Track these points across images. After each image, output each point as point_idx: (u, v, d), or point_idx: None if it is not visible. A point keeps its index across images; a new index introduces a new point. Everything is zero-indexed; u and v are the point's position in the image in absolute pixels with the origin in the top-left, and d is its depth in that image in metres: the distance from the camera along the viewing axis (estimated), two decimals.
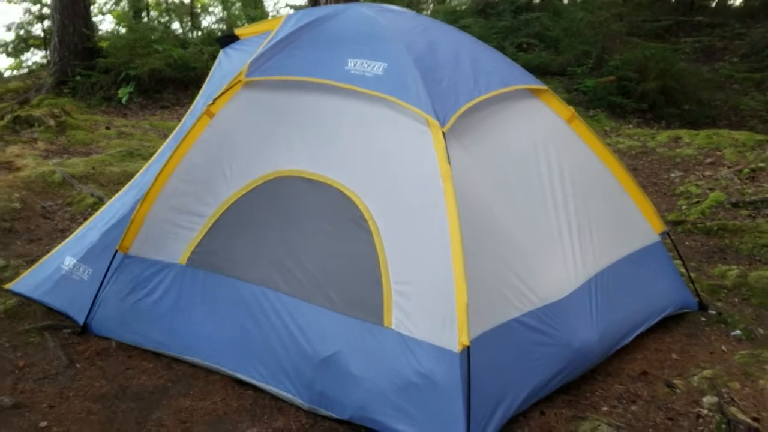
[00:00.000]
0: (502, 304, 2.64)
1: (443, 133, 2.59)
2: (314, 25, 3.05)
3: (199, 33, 10.05)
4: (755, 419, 2.65)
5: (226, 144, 3.02)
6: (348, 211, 2.72)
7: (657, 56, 8.71)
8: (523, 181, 2.97)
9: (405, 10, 3.51)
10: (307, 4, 10.20)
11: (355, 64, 2.82)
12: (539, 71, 9.31)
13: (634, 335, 3.13)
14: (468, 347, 2.36)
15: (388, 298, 2.57)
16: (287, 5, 10.92)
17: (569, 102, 3.41)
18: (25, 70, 9.82)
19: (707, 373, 2.95)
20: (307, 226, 2.81)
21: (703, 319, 3.48)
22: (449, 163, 2.54)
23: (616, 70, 8.82)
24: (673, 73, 8.73)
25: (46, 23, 9.79)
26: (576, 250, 2.99)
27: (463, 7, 11.52)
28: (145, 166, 3.44)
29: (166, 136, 3.57)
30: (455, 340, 2.38)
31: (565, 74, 9.53)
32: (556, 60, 9.80)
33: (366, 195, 2.71)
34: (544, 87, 3.23)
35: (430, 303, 2.51)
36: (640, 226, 3.39)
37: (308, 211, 2.83)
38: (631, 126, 8.35)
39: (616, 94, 8.71)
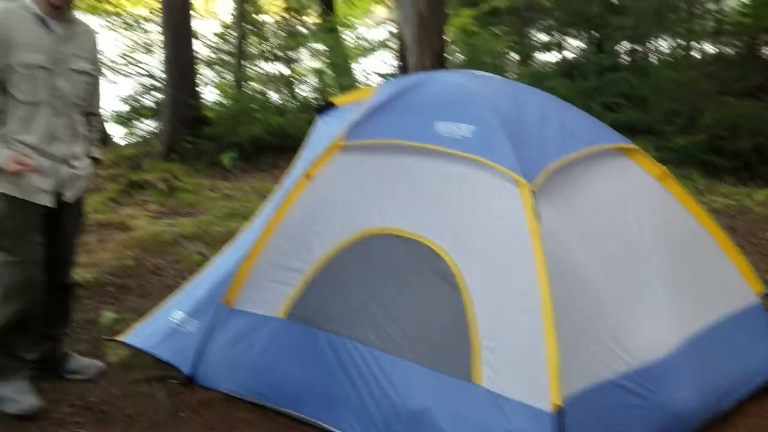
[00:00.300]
0: (595, 364, 2.62)
1: (532, 191, 2.66)
2: (405, 92, 3.22)
3: (296, 102, 10.62)
4: None
5: (322, 204, 3.19)
6: (437, 268, 2.80)
7: (749, 114, 8.46)
8: (614, 240, 2.97)
9: (491, 75, 3.65)
10: (393, 72, 10.60)
11: (443, 127, 2.95)
12: (627, 130, 9.14)
13: (736, 400, 3.00)
14: (561, 407, 2.35)
15: (477, 354, 2.60)
16: (376, 73, 11.39)
17: (659, 160, 3.39)
18: (138, 138, 10.59)
19: None
20: (398, 282, 2.91)
21: None
22: (538, 221, 2.59)
23: (707, 128, 8.62)
24: (767, 131, 8.44)
25: (157, 95, 10.59)
26: (671, 311, 2.93)
27: (548, 70, 11.59)
28: (247, 226, 3.65)
29: (265, 198, 3.78)
30: (547, 399, 2.37)
31: (653, 132, 9.35)
32: (644, 118, 9.64)
33: (455, 252, 2.79)
34: (633, 146, 3.25)
35: (521, 361, 2.52)
36: (738, 286, 3.28)
37: (398, 268, 2.93)
38: (724, 185, 8.07)
39: (708, 152, 8.47)
